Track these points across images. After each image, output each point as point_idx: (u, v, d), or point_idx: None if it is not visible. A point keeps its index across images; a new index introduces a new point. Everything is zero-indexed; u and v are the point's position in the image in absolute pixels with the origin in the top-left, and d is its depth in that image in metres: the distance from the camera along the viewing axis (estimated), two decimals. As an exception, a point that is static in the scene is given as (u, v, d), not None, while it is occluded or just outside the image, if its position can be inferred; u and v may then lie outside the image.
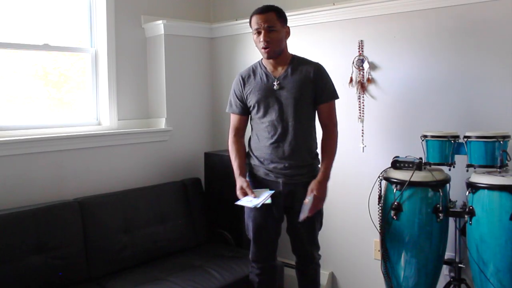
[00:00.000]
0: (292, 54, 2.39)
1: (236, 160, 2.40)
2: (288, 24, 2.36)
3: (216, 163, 3.27)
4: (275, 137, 2.32)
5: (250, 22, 2.34)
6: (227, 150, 2.34)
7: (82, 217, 2.61)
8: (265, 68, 2.38)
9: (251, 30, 2.35)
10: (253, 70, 2.41)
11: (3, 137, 2.59)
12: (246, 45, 3.36)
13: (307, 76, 2.32)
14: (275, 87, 2.32)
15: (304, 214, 2.23)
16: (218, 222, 3.24)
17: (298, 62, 2.37)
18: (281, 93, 2.31)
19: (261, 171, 2.38)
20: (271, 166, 2.34)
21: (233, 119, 2.47)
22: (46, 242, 2.44)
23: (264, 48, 2.27)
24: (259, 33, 2.28)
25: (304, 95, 2.31)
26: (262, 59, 2.41)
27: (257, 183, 2.39)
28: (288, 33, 2.36)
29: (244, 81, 2.40)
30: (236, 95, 2.43)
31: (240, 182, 2.31)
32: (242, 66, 3.04)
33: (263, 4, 2.32)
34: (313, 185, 2.28)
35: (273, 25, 2.26)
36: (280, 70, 2.35)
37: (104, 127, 3.14)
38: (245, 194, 2.27)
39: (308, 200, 2.24)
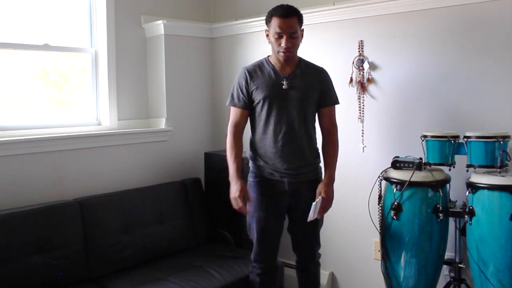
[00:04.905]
0: (298, 56, 2.39)
1: (235, 161, 2.32)
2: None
3: (216, 163, 3.26)
4: (281, 136, 2.31)
5: (268, 21, 2.28)
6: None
7: (82, 217, 2.61)
8: (273, 65, 2.36)
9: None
10: (260, 66, 2.38)
11: (3, 137, 2.59)
12: (246, 45, 3.36)
13: (315, 79, 2.35)
14: (284, 86, 2.31)
15: (314, 215, 2.28)
16: (218, 222, 3.24)
17: (305, 65, 2.39)
18: (290, 93, 2.31)
19: (266, 171, 2.37)
20: (277, 165, 2.33)
21: (235, 113, 2.39)
22: (46, 242, 2.44)
23: (284, 53, 2.25)
24: (280, 36, 2.24)
25: (310, 97, 2.34)
26: (268, 56, 2.40)
27: (262, 183, 2.38)
28: (302, 36, 2.34)
29: (251, 75, 2.36)
30: (240, 89, 2.37)
31: (241, 184, 2.27)
32: (242, 66, 3.04)
33: (282, 4, 2.26)
34: (320, 188, 2.33)
35: (295, 30, 2.24)
36: (288, 70, 2.34)
37: (104, 127, 3.14)
38: (242, 198, 2.25)
39: (317, 201, 2.29)
